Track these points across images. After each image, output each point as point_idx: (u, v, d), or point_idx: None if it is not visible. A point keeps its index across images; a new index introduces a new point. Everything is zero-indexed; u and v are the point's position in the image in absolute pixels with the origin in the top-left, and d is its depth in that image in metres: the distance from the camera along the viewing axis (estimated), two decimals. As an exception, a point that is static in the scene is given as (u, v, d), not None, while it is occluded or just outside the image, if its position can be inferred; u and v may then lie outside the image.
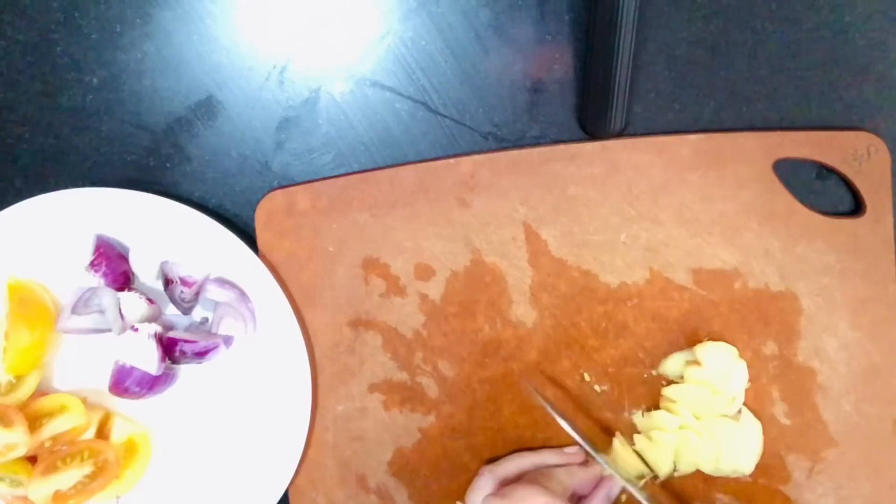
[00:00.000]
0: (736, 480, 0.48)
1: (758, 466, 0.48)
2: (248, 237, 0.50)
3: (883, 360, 0.48)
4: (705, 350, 0.47)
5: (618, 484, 0.46)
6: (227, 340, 0.49)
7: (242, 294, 0.48)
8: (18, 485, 0.47)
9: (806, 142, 0.48)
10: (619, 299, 0.49)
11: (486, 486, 0.46)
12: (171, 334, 0.48)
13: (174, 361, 0.48)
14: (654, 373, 0.49)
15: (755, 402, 0.48)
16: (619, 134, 0.49)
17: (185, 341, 0.47)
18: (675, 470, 0.47)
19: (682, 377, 0.48)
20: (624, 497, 0.48)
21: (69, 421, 0.47)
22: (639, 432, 0.49)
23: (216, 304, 0.49)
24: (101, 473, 0.47)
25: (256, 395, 0.49)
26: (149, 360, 0.46)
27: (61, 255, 0.49)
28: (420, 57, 0.50)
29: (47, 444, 0.47)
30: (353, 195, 0.49)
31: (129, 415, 0.50)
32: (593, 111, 0.48)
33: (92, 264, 0.47)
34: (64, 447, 0.47)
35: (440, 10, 0.49)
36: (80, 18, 0.49)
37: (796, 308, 0.48)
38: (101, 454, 0.47)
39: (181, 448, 0.50)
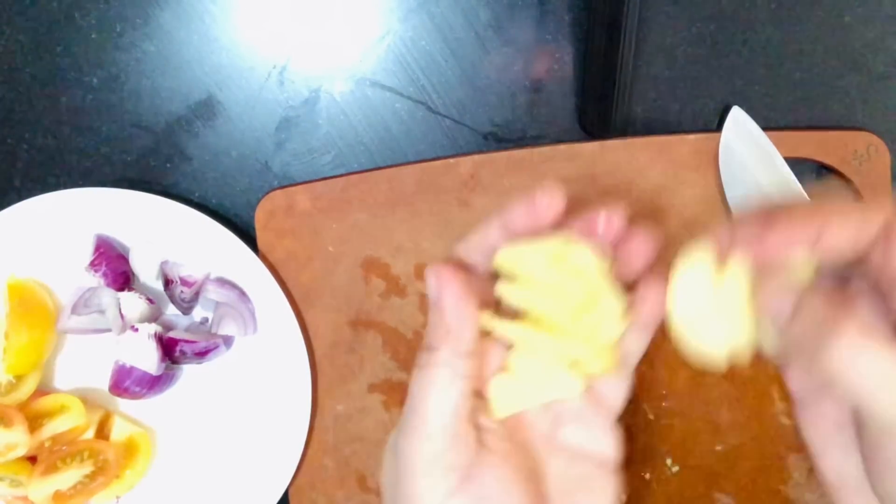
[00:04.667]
0: (736, 481, 0.48)
1: (758, 467, 0.48)
2: (248, 237, 0.50)
3: (883, 360, 0.48)
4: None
5: None
6: (227, 340, 0.49)
7: (242, 294, 0.48)
8: (18, 485, 0.47)
9: (806, 142, 0.48)
10: (619, 299, 0.49)
11: None
12: (171, 334, 0.48)
13: (174, 361, 0.48)
14: None
15: (755, 402, 0.48)
16: (619, 134, 0.49)
17: (185, 341, 0.47)
18: None
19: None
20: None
21: (69, 421, 0.47)
22: None
23: (216, 304, 0.49)
24: (101, 473, 0.47)
25: (256, 395, 0.49)
26: (149, 360, 0.46)
27: (61, 255, 0.49)
28: (420, 57, 0.50)
29: (47, 444, 0.47)
30: (353, 195, 0.49)
31: (130, 415, 0.50)
32: (593, 111, 0.48)
33: (92, 264, 0.47)
34: (64, 447, 0.47)
35: (440, 10, 0.49)
36: (80, 18, 0.49)
37: (796, 308, 0.48)
38: (101, 454, 0.47)
39: (181, 448, 0.50)
